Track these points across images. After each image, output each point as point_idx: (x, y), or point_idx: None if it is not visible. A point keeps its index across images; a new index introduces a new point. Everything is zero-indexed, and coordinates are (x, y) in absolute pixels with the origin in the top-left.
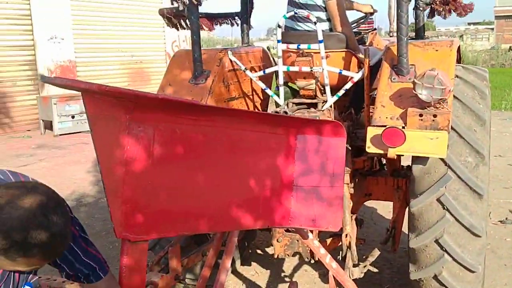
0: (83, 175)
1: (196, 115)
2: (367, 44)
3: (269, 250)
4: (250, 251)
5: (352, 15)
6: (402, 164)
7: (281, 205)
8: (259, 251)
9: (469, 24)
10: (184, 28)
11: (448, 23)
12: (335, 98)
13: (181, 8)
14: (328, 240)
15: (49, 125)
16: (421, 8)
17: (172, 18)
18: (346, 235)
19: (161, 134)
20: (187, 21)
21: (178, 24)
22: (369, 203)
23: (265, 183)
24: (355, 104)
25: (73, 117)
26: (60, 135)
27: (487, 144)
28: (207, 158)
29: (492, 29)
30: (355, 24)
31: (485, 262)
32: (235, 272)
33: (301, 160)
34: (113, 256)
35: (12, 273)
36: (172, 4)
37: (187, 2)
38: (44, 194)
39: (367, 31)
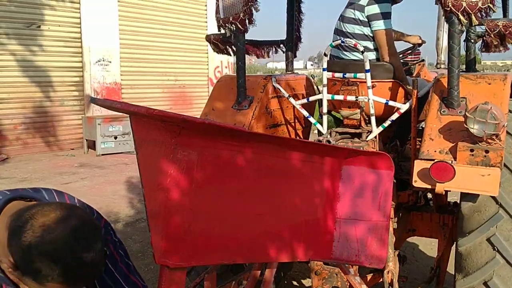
0: (122, 195)
1: (240, 142)
2: (414, 75)
3: (306, 282)
4: (286, 281)
5: (399, 46)
6: (448, 200)
7: (323, 238)
8: (295, 283)
9: None
10: (231, 54)
11: (495, 57)
12: (380, 128)
13: (227, 34)
14: (369, 276)
15: (92, 145)
16: (472, 41)
17: (219, 44)
18: (388, 271)
19: (205, 160)
20: (233, 47)
21: (224, 49)
22: (410, 239)
23: (307, 214)
24: (400, 135)
25: (115, 137)
26: (102, 155)
27: None
28: (250, 186)
29: None
30: (401, 55)
31: None
32: None
33: (345, 191)
34: (148, 279)
35: None
36: (219, 30)
37: (234, 29)
38: (80, 219)
39: (413, 62)
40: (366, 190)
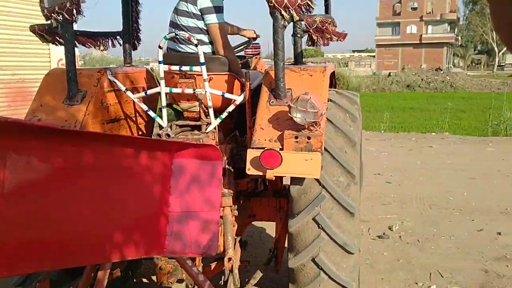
0: None
1: (57, 140)
2: (251, 68)
3: (156, 278)
4: (135, 280)
5: (237, 40)
6: (284, 184)
7: (156, 233)
8: (144, 280)
9: (353, 51)
10: (62, 45)
11: (335, 50)
12: (218, 120)
13: (54, 25)
14: (213, 264)
15: None
16: (298, 35)
17: (45, 35)
18: (229, 258)
19: (14, 161)
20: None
21: (53, 40)
22: (258, 223)
23: (139, 211)
24: (239, 126)
25: None
26: None
27: (357, 165)
28: (72, 187)
29: (374, 56)
30: (239, 48)
31: (363, 277)
32: None
33: (177, 185)
34: None
35: None
36: (47, 20)
37: (60, 19)
38: None
39: (252, 55)
40: (197, 182)
